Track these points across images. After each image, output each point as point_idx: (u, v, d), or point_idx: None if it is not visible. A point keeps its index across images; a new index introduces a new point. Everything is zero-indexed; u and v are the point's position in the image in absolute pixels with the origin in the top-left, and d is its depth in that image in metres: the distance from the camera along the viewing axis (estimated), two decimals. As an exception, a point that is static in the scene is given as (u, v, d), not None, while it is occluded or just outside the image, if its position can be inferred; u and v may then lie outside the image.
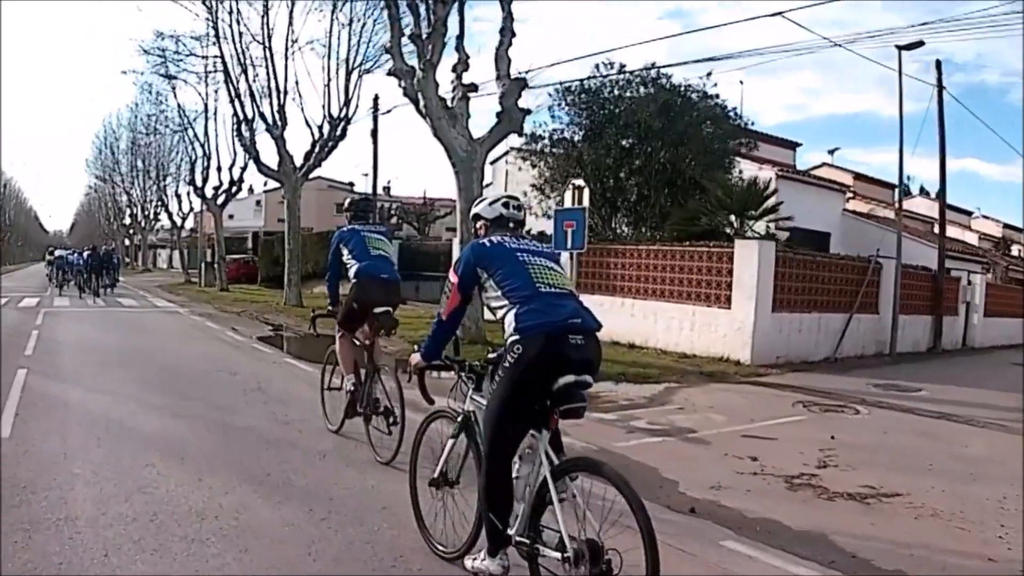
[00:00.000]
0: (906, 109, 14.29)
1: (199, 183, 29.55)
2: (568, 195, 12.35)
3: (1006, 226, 34.02)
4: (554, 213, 12.28)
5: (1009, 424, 7.32)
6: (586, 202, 11.69)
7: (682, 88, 16.27)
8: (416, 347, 3.25)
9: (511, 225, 3.18)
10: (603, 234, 15.49)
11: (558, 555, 2.64)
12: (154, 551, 3.23)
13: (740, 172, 16.31)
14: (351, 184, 42.98)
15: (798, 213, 15.12)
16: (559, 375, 2.72)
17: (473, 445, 3.16)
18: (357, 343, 5.35)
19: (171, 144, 36.35)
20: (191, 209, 38.72)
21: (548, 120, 16.95)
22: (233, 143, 25.42)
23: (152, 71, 25.96)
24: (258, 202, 45.48)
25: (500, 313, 2.92)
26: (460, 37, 12.00)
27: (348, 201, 5.78)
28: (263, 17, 19.82)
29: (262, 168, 21.03)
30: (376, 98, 21.74)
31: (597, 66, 16.13)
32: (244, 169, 26.82)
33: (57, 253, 27.66)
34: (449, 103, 11.59)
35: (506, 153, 20.46)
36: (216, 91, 26.31)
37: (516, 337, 2.77)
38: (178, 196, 38.72)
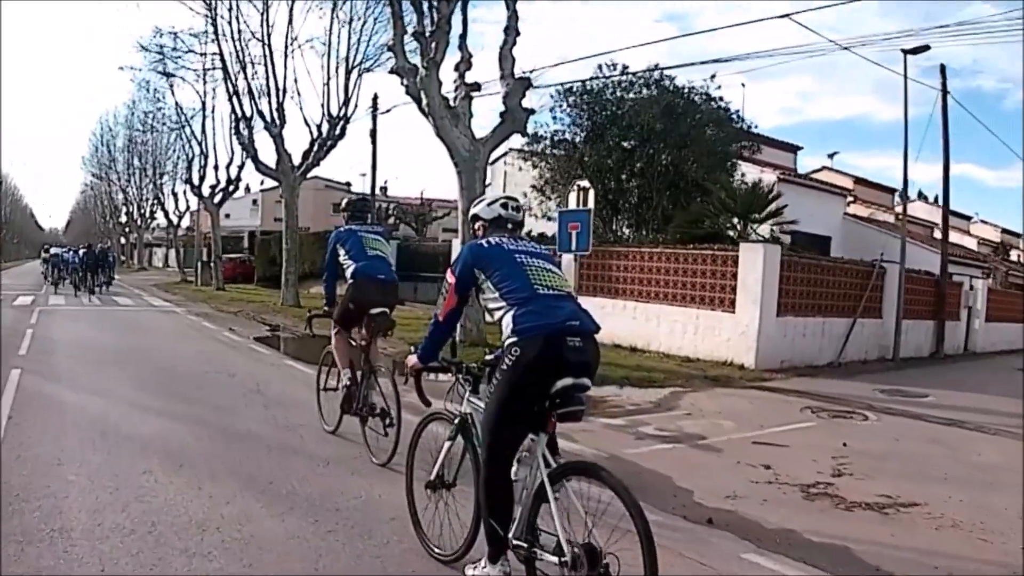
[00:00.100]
0: (903, 114, 14.15)
1: (196, 181, 29.35)
2: (572, 196, 12.23)
3: (1004, 231, 34.15)
4: (558, 215, 12.18)
5: (1020, 431, 7.24)
6: (591, 203, 11.58)
7: (685, 90, 16.18)
8: (413, 348, 3.21)
9: (509, 226, 3.13)
10: (604, 236, 15.36)
11: (556, 559, 2.60)
12: (153, 566, 3.09)
13: (742, 175, 16.28)
14: (348, 184, 42.87)
15: (800, 217, 15.07)
16: (557, 377, 2.68)
17: (470, 447, 3.12)
18: (353, 344, 5.27)
19: (168, 142, 36.38)
20: (187, 208, 38.73)
21: (549, 121, 16.81)
22: (231, 141, 25.37)
23: (150, 68, 25.78)
24: (255, 201, 45.18)
25: (498, 315, 2.88)
26: (463, 35, 11.93)
27: (345, 201, 5.74)
28: (263, 15, 19.71)
29: (260, 167, 20.86)
30: (375, 97, 21.61)
31: (600, 67, 16.10)
32: (241, 168, 26.71)
33: (52, 251, 27.49)
34: (452, 102, 11.48)
35: (505, 154, 20.30)
36: (214, 89, 26.27)
37: (514, 339, 2.74)
38: (174, 194, 38.73)
